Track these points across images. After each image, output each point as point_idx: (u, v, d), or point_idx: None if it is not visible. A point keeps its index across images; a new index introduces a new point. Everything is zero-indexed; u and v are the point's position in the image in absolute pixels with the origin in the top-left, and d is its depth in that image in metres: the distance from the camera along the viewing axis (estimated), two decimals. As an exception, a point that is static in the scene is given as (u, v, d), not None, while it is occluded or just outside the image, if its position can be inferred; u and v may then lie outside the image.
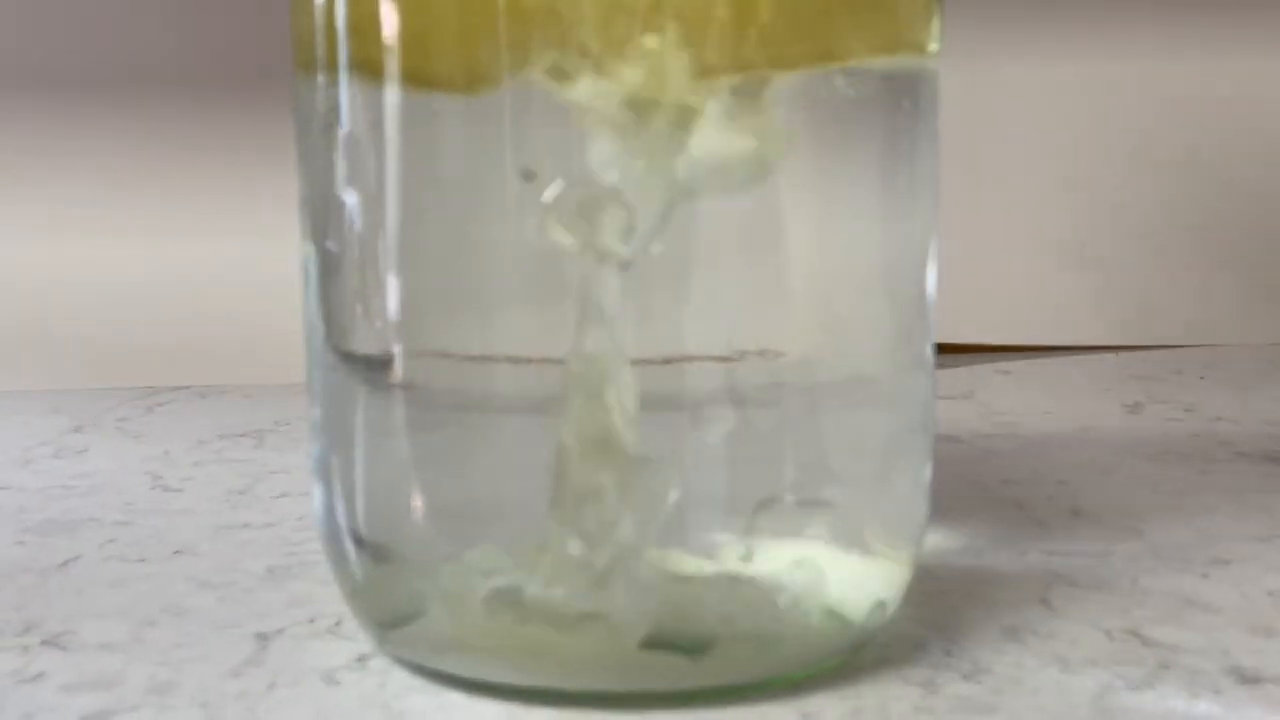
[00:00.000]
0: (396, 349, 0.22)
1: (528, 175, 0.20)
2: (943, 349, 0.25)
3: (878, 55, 0.22)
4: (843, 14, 0.22)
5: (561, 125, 0.21)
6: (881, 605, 0.23)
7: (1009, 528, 0.32)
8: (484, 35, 0.21)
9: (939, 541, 0.30)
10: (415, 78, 0.21)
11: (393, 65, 0.22)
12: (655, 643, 0.21)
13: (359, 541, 0.23)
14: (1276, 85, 0.62)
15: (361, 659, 0.24)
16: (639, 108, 0.21)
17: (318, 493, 0.24)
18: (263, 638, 0.25)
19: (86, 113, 0.55)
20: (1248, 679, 0.23)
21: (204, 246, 0.55)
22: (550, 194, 0.20)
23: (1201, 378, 0.51)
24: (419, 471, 0.22)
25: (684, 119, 0.21)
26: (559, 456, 0.21)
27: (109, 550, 0.31)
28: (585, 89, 0.20)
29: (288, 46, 0.24)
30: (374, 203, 0.22)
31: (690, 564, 0.21)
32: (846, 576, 0.22)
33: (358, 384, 0.23)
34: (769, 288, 0.21)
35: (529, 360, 0.21)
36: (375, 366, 0.22)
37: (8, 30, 0.55)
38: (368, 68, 0.22)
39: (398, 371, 0.22)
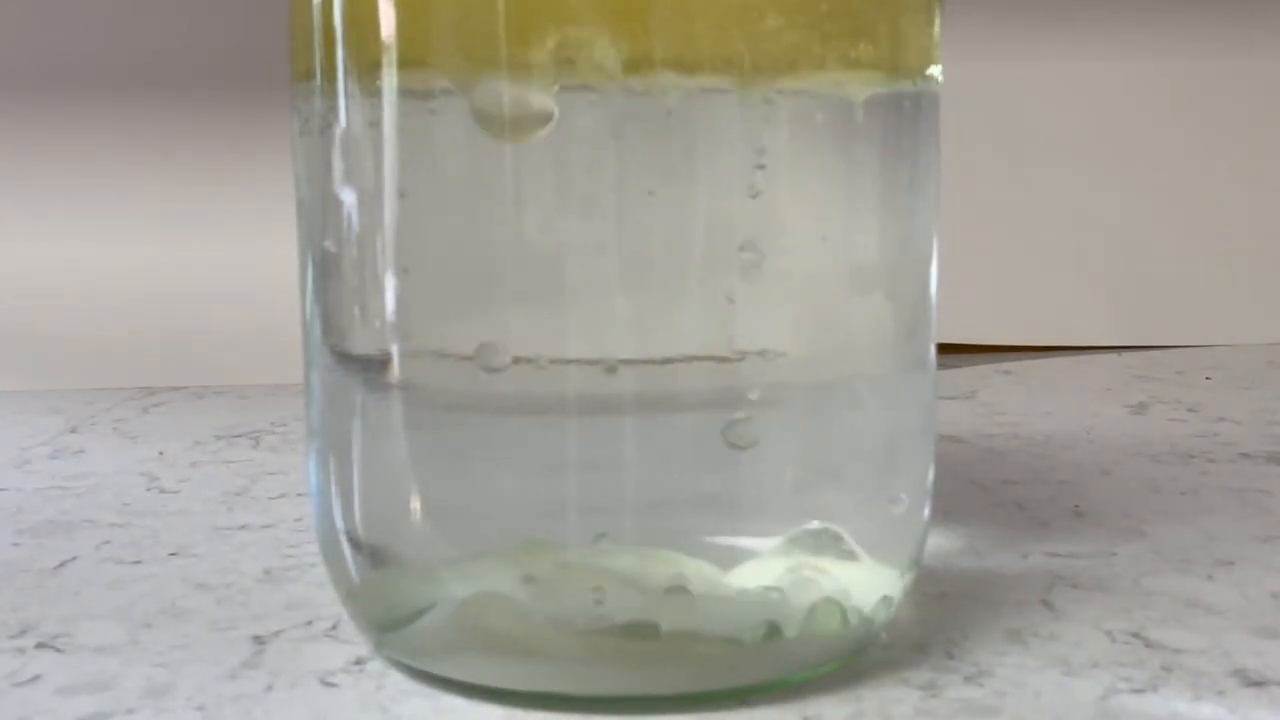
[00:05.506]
0: (394, 349, 0.22)
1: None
2: (944, 349, 0.25)
3: (879, 60, 0.22)
4: (844, 16, 0.21)
5: (559, 124, 0.21)
6: (882, 607, 0.23)
7: (1011, 529, 0.31)
8: (482, 32, 0.21)
9: (941, 543, 0.30)
10: (413, 76, 0.21)
11: (390, 63, 0.21)
12: (655, 646, 0.21)
13: (356, 544, 0.23)
14: (1277, 85, 0.61)
15: (359, 662, 0.24)
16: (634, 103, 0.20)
17: (315, 494, 0.24)
18: (260, 640, 0.25)
19: (85, 114, 0.55)
20: (1252, 681, 0.23)
21: (201, 247, 0.55)
22: None
23: (1205, 378, 0.51)
24: (416, 473, 0.22)
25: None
26: (556, 458, 0.21)
27: (105, 552, 0.31)
28: (582, 87, 0.20)
29: (285, 46, 0.24)
30: (372, 202, 0.22)
31: (689, 566, 0.21)
32: (847, 578, 0.22)
33: (355, 384, 0.23)
34: (769, 288, 0.21)
35: (528, 360, 0.21)
36: (373, 367, 0.22)
37: (8, 32, 0.55)
38: (365, 66, 0.22)
39: (395, 372, 0.22)
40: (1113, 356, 0.57)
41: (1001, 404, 0.47)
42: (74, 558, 0.31)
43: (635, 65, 0.20)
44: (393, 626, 0.23)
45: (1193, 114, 0.61)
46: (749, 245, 0.21)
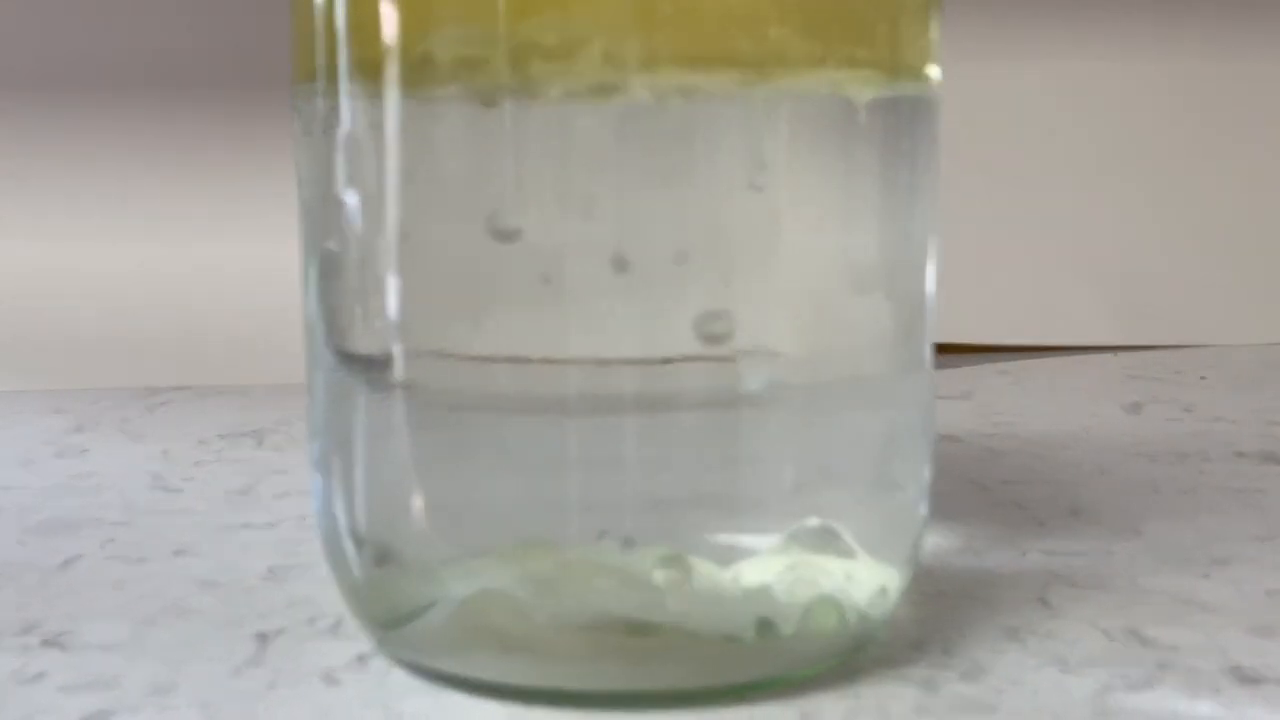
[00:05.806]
0: (396, 349, 0.22)
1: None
2: (942, 349, 0.25)
3: (878, 61, 0.22)
4: (842, 17, 0.22)
5: (560, 125, 0.21)
6: (880, 605, 0.23)
7: (1008, 527, 0.32)
8: (484, 34, 0.21)
9: (938, 541, 0.30)
10: (415, 78, 0.21)
11: (393, 65, 0.22)
12: (654, 643, 0.21)
13: (359, 542, 0.23)
14: (1277, 85, 0.62)
15: (361, 659, 0.24)
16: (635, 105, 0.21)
17: (318, 493, 0.24)
18: (263, 638, 0.25)
19: (86, 114, 0.55)
20: (1247, 679, 0.23)
21: (204, 246, 0.55)
22: None
23: (1201, 377, 0.51)
24: (419, 472, 0.22)
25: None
26: (557, 456, 0.21)
27: (110, 550, 0.31)
28: (584, 87, 0.21)
29: (286, 47, 0.24)
30: (374, 203, 0.22)
31: (689, 564, 0.21)
32: (846, 577, 0.22)
33: (358, 384, 0.23)
34: (769, 288, 0.21)
35: (529, 360, 0.21)
36: (375, 366, 0.22)
37: (8, 32, 0.55)
38: (368, 68, 0.22)
39: (398, 371, 0.22)
40: (1110, 357, 0.57)
41: (998, 404, 0.47)
42: (78, 556, 0.31)
43: (636, 65, 0.21)
44: (395, 624, 0.23)
45: (1192, 114, 0.61)
46: (748, 245, 0.21)
